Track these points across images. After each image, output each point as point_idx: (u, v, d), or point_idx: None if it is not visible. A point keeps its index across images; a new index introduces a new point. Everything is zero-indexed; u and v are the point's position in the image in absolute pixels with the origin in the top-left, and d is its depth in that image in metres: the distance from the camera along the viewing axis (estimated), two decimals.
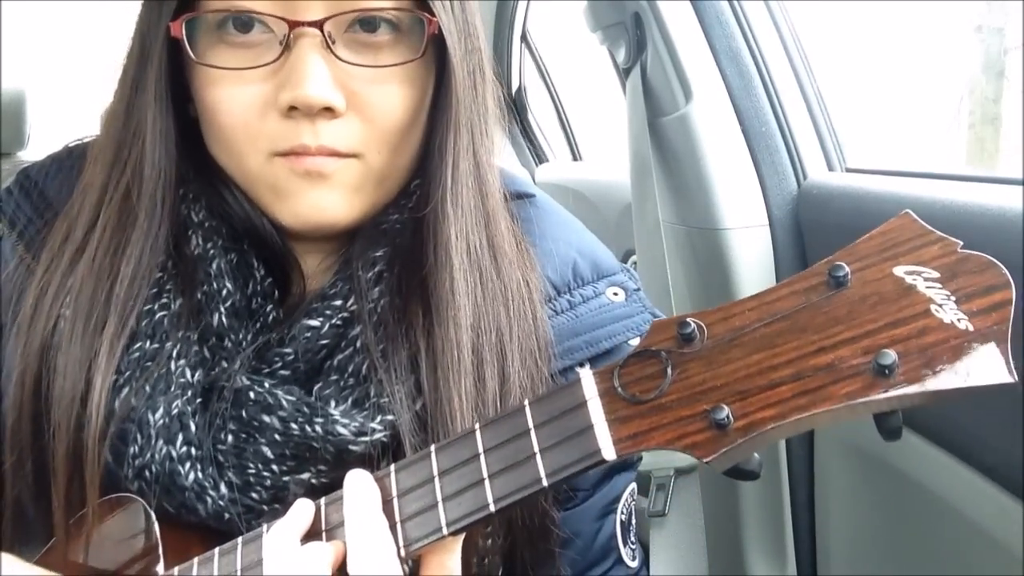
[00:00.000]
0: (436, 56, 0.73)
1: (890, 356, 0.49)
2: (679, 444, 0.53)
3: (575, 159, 2.71)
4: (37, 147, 2.97)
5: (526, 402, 0.59)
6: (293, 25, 0.67)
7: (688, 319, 0.55)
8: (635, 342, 0.76)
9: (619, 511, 0.81)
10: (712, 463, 0.52)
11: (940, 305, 0.50)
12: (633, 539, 0.82)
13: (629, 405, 0.55)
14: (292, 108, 0.68)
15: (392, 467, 0.62)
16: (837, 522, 1.34)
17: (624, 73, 1.56)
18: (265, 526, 0.64)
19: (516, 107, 2.72)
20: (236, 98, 0.70)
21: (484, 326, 0.72)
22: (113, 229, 0.74)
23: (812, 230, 1.30)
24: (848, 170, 1.35)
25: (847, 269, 0.52)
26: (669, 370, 0.55)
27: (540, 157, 2.76)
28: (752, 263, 1.34)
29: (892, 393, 0.49)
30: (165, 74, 0.72)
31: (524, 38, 2.64)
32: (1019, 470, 0.91)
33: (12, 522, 0.74)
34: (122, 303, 0.71)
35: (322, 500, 0.63)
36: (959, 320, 0.49)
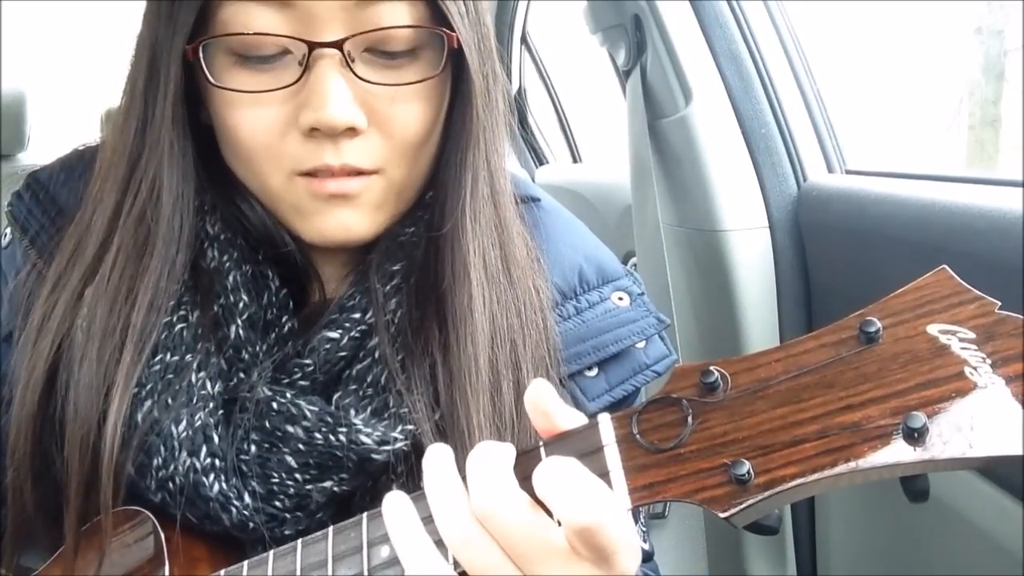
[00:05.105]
0: (453, 65, 0.71)
1: (920, 419, 0.47)
2: (697, 497, 0.51)
3: (575, 161, 2.71)
4: (37, 148, 2.97)
5: (540, 443, 0.57)
6: (313, 46, 0.66)
7: (712, 367, 0.53)
8: (640, 345, 0.78)
9: None
10: (730, 519, 0.51)
11: (975, 368, 0.48)
12: (644, 520, 0.81)
13: (647, 453, 0.53)
14: (314, 129, 0.67)
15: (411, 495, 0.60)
16: (837, 522, 1.34)
17: (624, 75, 1.56)
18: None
19: (516, 109, 2.72)
20: (256, 120, 0.69)
21: (499, 339, 0.72)
22: (129, 253, 0.73)
23: (812, 232, 1.31)
24: (848, 172, 1.36)
25: (879, 324, 0.50)
26: (690, 419, 0.53)
27: (540, 159, 2.76)
28: (752, 265, 1.35)
29: (920, 458, 0.47)
30: (182, 97, 0.70)
31: (524, 39, 2.65)
32: (1019, 471, 0.91)
33: (14, 532, 0.74)
34: (139, 331, 0.71)
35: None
36: (993, 384, 0.47)
